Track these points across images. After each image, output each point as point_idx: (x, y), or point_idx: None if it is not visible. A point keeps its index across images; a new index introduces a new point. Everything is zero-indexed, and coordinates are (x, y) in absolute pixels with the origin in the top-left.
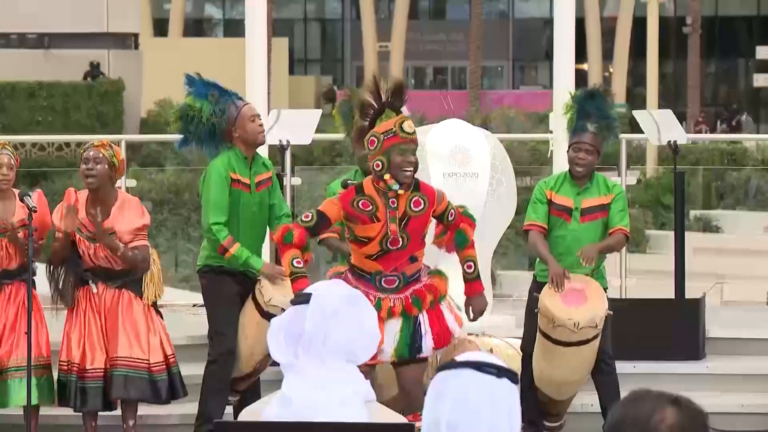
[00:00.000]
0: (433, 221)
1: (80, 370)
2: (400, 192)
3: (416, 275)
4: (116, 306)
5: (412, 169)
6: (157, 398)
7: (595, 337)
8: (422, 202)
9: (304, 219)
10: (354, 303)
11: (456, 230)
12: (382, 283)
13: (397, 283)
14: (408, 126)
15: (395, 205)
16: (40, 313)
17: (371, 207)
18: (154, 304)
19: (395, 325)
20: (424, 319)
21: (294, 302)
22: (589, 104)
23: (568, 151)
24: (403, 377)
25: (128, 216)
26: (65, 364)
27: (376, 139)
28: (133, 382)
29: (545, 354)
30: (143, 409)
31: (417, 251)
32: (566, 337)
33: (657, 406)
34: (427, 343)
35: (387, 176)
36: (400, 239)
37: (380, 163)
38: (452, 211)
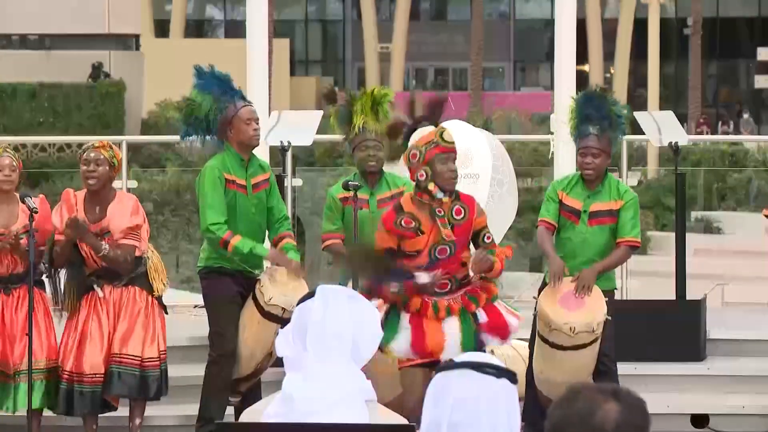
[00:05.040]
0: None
1: (78, 376)
2: (444, 200)
3: (466, 279)
4: (123, 303)
5: (454, 176)
6: (144, 394)
7: (593, 342)
8: (463, 210)
9: None
10: (356, 300)
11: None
12: (435, 289)
13: (449, 286)
14: (448, 135)
15: (442, 213)
16: (49, 316)
17: (414, 223)
18: (159, 298)
19: (454, 323)
20: (481, 314)
21: (300, 301)
22: (588, 107)
23: (576, 158)
24: (411, 380)
25: (122, 215)
26: (65, 373)
27: (418, 152)
28: (125, 378)
29: (543, 356)
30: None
31: (463, 257)
32: (563, 341)
33: (597, 403)
34: (488, 336)
35: (431, 185)
36: (447, 248)
37: (424, 173)
38: (489, 234)
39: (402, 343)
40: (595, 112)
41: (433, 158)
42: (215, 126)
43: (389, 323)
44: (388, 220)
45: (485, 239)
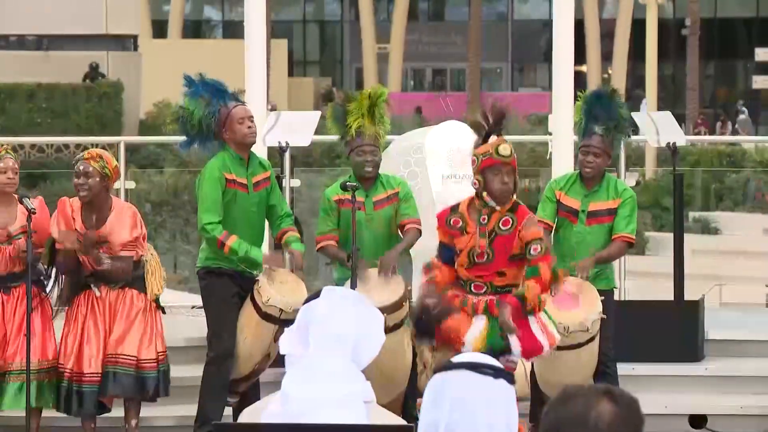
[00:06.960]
0: None
1: (78, 375)
2: (498, 208)
3: (506, 289)
4: (120, 305)
5: (504, 188)
6: (143, 394)
7: (589, 341)
8: (511, 221)
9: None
10: (362, 304)
11: (531, 267)
12: (472, 288)
13: (484, 290)
14: (503, 149)
15: (485, 221)
16: (46, 315)
17: (461, 223)
18: (156, 300)
19: (480, 321)
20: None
21: (306, 300)
22: (596, 106)
23: (578, 154)
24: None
25: (122, 229)
26: (66, 372)
27: (476, 159)
28: (120, 378)
29: (542, 357)
30: (142, 410)
31: (504, 267)
32: (557, 341)
33: (591, 403)
34: (516, 346)
35: (485, 194)
36: (485, 254)
37: (477, 182)
38: (538, 247)
39: None
40: (603, 112)
41: (486, 169)
42: (211, 129)
43: None
44: (442, 217)
45: (532, 251)
